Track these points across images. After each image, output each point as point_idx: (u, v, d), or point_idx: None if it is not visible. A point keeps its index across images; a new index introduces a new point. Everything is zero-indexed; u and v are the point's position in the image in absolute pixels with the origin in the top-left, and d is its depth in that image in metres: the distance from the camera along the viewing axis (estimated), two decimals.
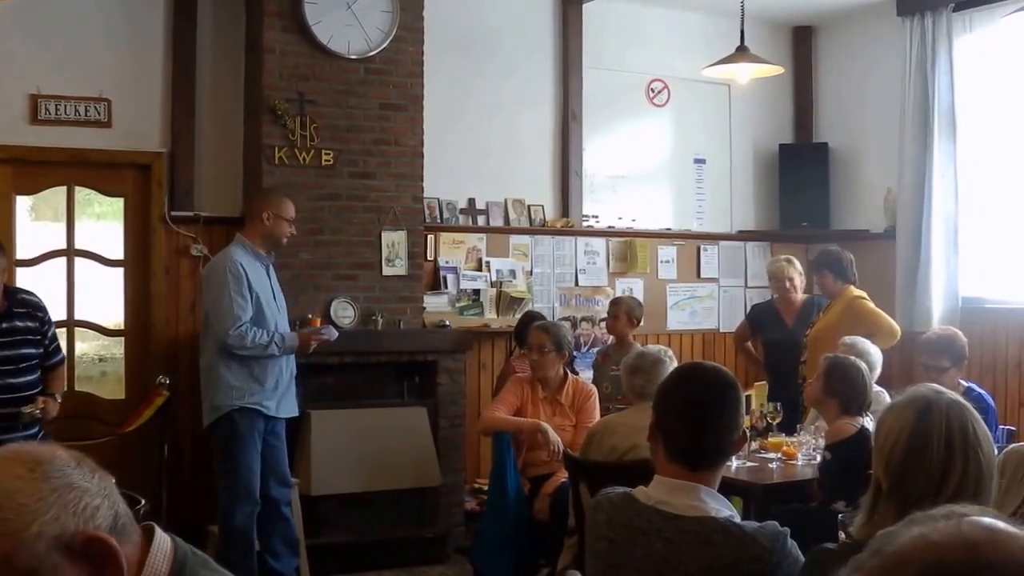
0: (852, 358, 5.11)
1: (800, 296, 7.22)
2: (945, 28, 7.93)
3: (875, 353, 5.76)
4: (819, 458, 5.29)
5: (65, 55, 6.69)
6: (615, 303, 7.36)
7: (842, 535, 2.86)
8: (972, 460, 2.42)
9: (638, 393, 5.05)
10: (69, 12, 6.70)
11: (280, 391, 5.90)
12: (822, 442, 5.37)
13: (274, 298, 5.96)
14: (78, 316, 6.84)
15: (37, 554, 1.45)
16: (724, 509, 2.74)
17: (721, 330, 8.87)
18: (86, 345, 6.93)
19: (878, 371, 5.79)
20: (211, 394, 5.81)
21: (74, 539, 1.48)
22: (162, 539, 1.65)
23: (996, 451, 4.41)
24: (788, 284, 7.20)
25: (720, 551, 2.64)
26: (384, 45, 7.04)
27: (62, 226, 6.82)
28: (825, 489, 4.73)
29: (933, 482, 2.41)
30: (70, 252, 6.83)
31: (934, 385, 2.62)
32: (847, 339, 5.87)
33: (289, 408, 6.01)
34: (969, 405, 2.53)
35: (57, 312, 6.73)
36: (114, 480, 1.59)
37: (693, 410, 2.78)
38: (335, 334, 6.15)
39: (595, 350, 7.90)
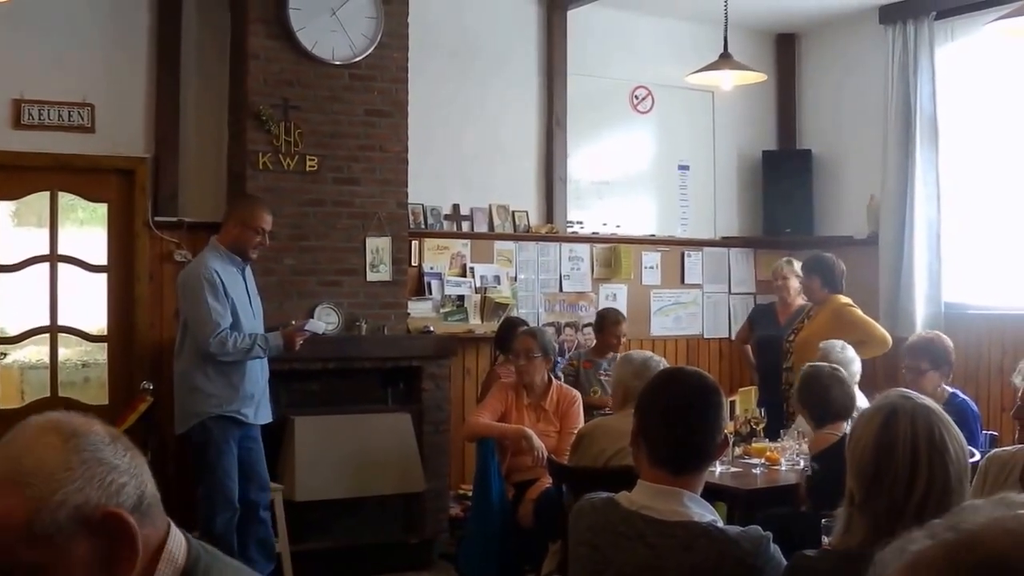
0: (829, 368, 5.09)
1: (798, 300, 7.23)
2: (927, 36, 7.97)
3: (854, 360, 5.76)
4: (802, 464, 5.30)
5: (49, 60, 6.67)
6: (614, 320, 7.35)
7: (825, 540, 2.86)
8: (939, 466, 2.40)
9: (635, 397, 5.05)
10: (53, 17, 6.69)
11: (257, 398, 5.89)
12: (805, 447, 5.38)
13: (250, 303, 5.93)
14: (61, 322, 6.80)
15: (56, 521, 1.50)
16: (707, 514, 2.74)
17: (705, 336, 8.90)
18: (69, 351, 6.90)
19: (856, 377, 5.80)
20: (187, 401, 5.78)
21: (94, 512, 1.53)
22: (176, 531, 1.69)
23: (978, 456, 4.46)
24: (781, 282, 7.24)
25: (703, 555, 2.64)
26: (369, 51, 7.04)
27: (45, 232, 6.79)
28: (814, 499, 4.71)
29: (901, 489, 2.40)
30: (53, 258, 6.79)
31: (903, 390, 2.60)
32: (823, 344, 5.88)
33: (265, 415, 5.99)
34: (939, 409, 2.51)
35: (40, 318, 6.75)
36: (147, 460, 1.65)
37: (675, 414, 2.78)
38: (322, 327, 6.12)
39: (569, 355, 7.88)
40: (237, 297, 5.80)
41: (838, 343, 5.86)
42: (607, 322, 7.42)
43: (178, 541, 1.68)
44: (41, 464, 1.53)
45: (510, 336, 6.64)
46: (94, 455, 1.56)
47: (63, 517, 1.51)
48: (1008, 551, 0.90)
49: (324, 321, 6.65)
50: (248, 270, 5.99)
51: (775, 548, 2.70)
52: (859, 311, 6.83)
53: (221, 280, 5.70)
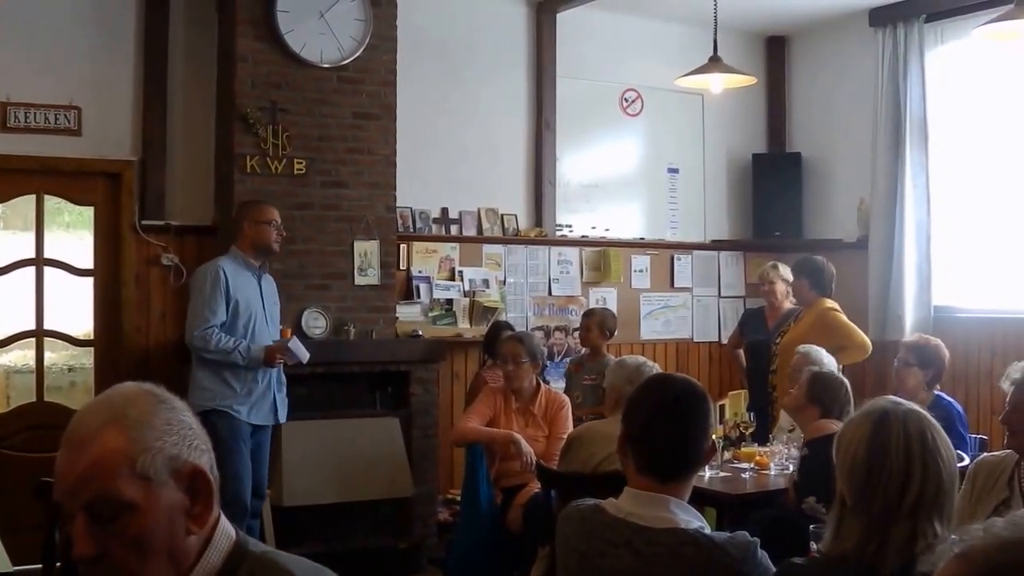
0: (835, 371, 5.11)
1: (785, 304, 7.21)
2: (917, 39, 7.97)
3: (832, 364, 5.75)
4: (791, 468, 5.27)
5: (35, 62, 6.63)
6: (587, 315, 7.35)
7: (813, 546, 2.86)
8: (932, 468, 2.43)
9: None
10: (39, 19, 6.65)
11: (254, 397, 5.90)
12: (795, 452, 5.37)
13: (263, 308, 5.98)
14: (47, 326, 6.76)
15: (153, 464, 1.69)
16: (694, 520, 2.73)
17: (695, 340, 8.87)
18: (55, 355, 6.85)
19: None
20: (189, 394, 5.80)
21: (184, 466, 1.72)
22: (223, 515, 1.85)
23: (967, 460, 4.45)
24: (768, 287, 7.20)
25: (690, 563, 2.64)
26: (357, 54, 7.01)
27: (31, 235, 6.74)
28: (801, 487, 4.68)
29: (895, 492, 2.42)
30: (39, 261, 6.74)
31: (891, 397, 2.63)
32: (801, 348, 5.86)
33: (263, 416, 5.97)
34: (928, 414, 2.55)
35: (26, 321, 6.70)
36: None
37: (661, 422, 2.78)
38: (306, 356, 6.02)
39: (567, 360, 7.87)
40: (245, 300, 5.89)
41: (813, 348, 5.84)
42: (582, 320, 7.43)
43: (227, 523, 1.84)
44: (143, 415, 1.72)
45: (498, 340, 6.62)
46: (184, 419, 1.77)
47: (160, 463, 1.70)
48: None
49: (312, 327, 6.67)
50: (267, 278, 6.09)
51: (763, 554, 2.69)
52: (842, 316, 6.82)
53: (227, 280, 5.82)
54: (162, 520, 1.69)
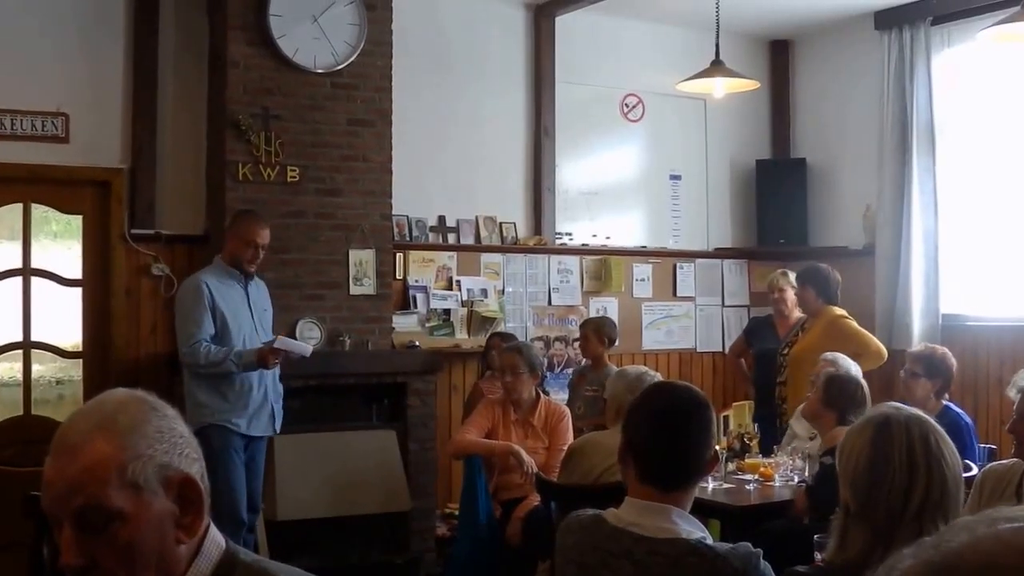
0: (851, 372, 5.09)
1: (795, 312, 7.11)
2: (923, 42, 7.89)
3: (856, 370, 5.67)
4: (796, 480, 5.19)
5: (21, 68, 6.54)
6: (584, 325, 7.28)
7: (817, 556, 2.79)
8: (936, 472, 2.43)
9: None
10: (26, 24, 6.56)
11: (251, 409, 5.85)
12: (799, 463, 5.29)
13: (252, 316, 5.93)
14: (34, 337, 6.65)
15: (144, 473, 1.67)
16: (696, 531, 2.70)
17: (698, 350, 8.77)
18: (43, 367, 6.75)
19: None
20: (187, 411, 5.71)
21: (175, 474, 1.71)
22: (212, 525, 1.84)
23: (975, 469, 4.37)
24: (778, 295, 7.18)
25: (692, 573, 2.60)
26: (352, 59, 6.92)
27: (18, 245, 6.64)
28: (821, 497, 4.53)
29: (898, 497, 2.41)
30: (26, 271, 6.64)
31: (894, 403, 2.65)
32: (828, 355, 5.78)
33: (261, 427, 5.92)
34: (930, 419, 2.55)
35: (13, 333, 6.60)
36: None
37: (663, 431, 2.74)
38: (306, 349, 5.96)
39: (570, 370, 7.77)
40: (231, 310, 5.83)
41: (840, 356, 5.77)
42: (579, 330, 7.35)
43: (217, 532, 1.82)
44: (134, 423, 1.70)
45: (497, 351, 6.55)
46: (175, 427, 1.75)
47: (150, 471, 1.68)
48: (984, 573, 0.89)
49: (306, 338, 6.56)
50: (256, 286, 6.03)
51: (766, 565, 2.66)
52: (854, 323, 6.75)
53: (211, 292, 5.78)
54: (152, 529, 1.67)
